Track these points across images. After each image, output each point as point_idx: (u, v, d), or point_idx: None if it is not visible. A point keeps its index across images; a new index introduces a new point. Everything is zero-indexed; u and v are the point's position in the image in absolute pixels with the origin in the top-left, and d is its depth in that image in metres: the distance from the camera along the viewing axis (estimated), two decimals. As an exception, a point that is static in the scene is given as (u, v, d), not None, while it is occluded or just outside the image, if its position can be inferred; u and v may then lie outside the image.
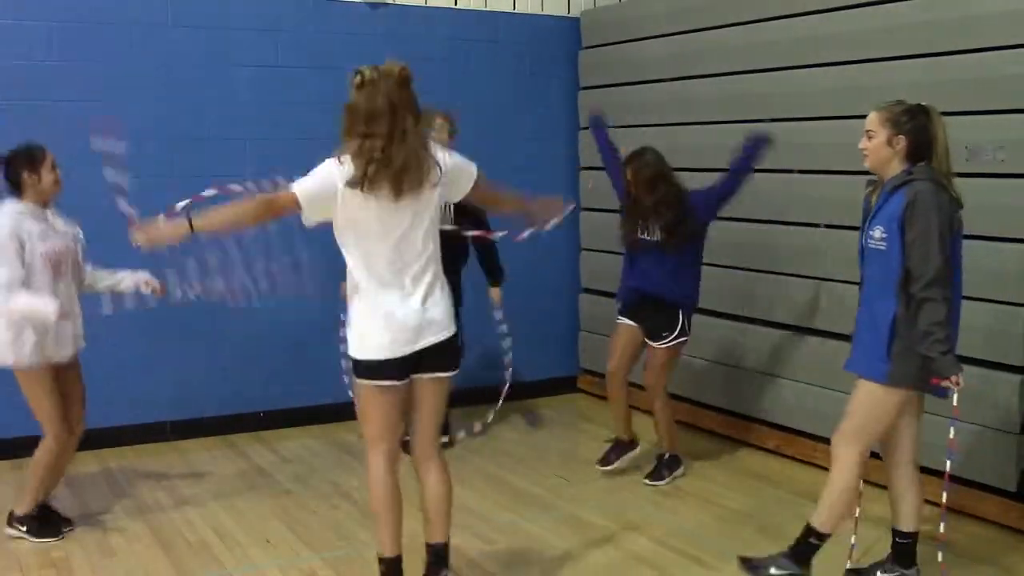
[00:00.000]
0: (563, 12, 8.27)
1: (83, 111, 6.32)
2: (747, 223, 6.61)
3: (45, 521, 5.28)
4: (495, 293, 6.71)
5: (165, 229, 4.06)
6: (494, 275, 6.71)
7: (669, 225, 5.80)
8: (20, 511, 5.24)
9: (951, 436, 4.22)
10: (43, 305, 4.88)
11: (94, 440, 6.60)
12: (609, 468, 6.23)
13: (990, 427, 5.30)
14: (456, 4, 7.82)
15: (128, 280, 5.46)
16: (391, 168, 3.94)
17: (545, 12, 8.19)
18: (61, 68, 6.54)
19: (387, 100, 4.21)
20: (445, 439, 6.69)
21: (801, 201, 6.28)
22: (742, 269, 6.69)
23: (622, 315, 6.13)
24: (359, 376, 4.06)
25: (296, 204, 3.97)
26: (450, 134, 6.48)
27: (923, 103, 4.19)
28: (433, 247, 4.13)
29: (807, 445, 6.31)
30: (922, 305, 4.04)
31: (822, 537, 4.46)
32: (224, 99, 7.01)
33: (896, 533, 4.54)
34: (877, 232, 4.17)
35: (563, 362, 8.37)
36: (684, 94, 7.18)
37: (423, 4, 7.68)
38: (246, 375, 7.17)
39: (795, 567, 4.51)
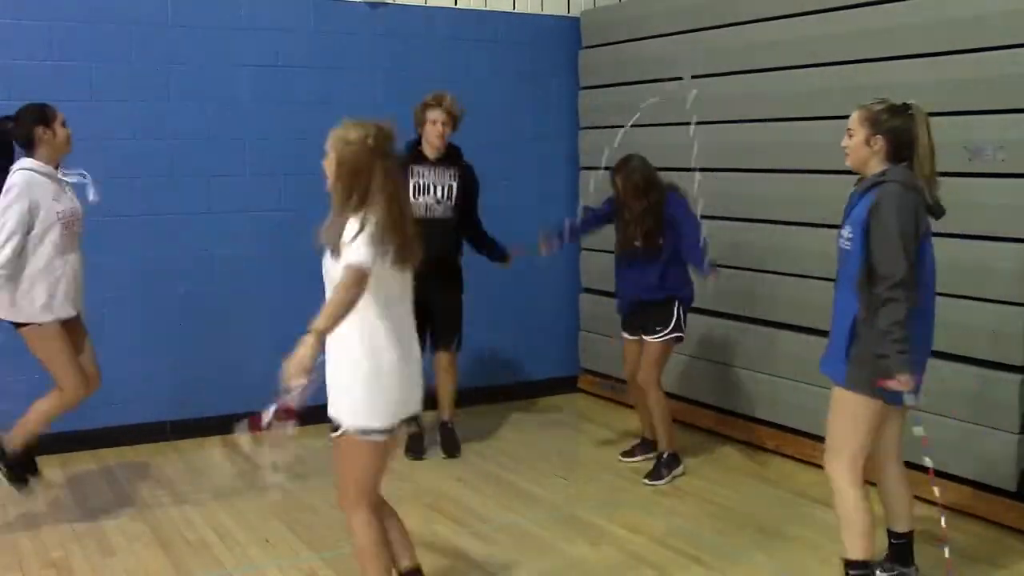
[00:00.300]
0: (563, 12, 8.27)
1: (82, 111, 6.33)
2: (749, 223, 6.62)
3: (23, 467, 5.33)
4: (508, 261, 6.75)
5: (304, 355, 3.90)
6: (498, 253, 6.74)
7: (650, 232, 5.95)
8: (8, 446, 5.25)
9: (921, 433, 4.10)
10: None
11: (94, 439, 6.64)
12: (630, 461, 6.41)
13: (990, 427, 5.30)
14: (456, 4, 7.82)
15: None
16: None
17: (545, 12, 8.19)
18: (60, 68, 6.54)
19: None
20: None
21: (802, 201, 6.28)
22: (746, 269, 6.68)
23: (624, 331, 6.31)
24: (366, 435, 3.95)
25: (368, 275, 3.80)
26: (443, 125, 6.49)
27: (908, 102, 4.13)
28: None
29: (807, 444, 6.30)
30: (885, 304, 3.95)
31: (861, 566, 4.22)
32: (224, 99, 7.01)
33: (891, 534, 4.52)
34: (846, 232, 4.13)
35: (564, 362, 8.37)
36: (684, 94, 7.16)
37: (423, 4, 7.68)
38: (245, 374, 7.15)
39: None
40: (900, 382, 3.95)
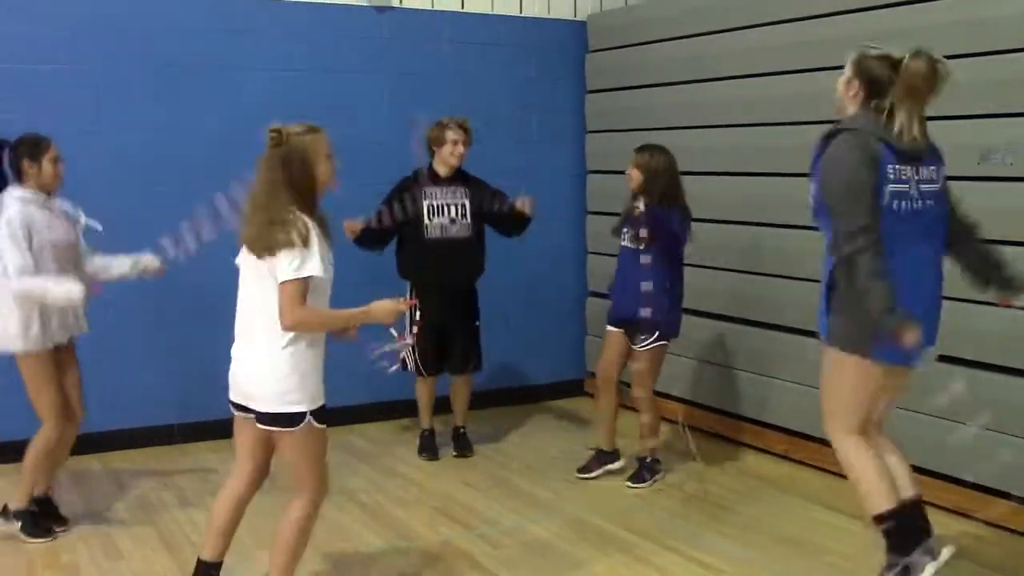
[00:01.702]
0: (570, 15, 8.28)
1: (90, 116, 6.36)
2: (762, 227, 6.61)
3: (41, 516, 5.28)
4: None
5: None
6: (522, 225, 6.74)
7: (650, 232, 5.88)
8: (15, 505, 5.24)
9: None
10: (67, 290, 4.94)
11: (101, 442, 6.64)
12: (589, 476, 6.29)
13: (1006, 432, 5.27)
14: (463, 7, 7.83)
15: (125, 266, 5.49)
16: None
17: (552, 15, 8.20)
18: (69, 73, 6.55)
19: None
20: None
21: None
22: (758, 274, 6.66)
23: (609, 323, 6.23)
24: (321, 421, 4.13)
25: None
26: (464, 144, 6.50)
27: (912, 51, 3.87)
28: None
29: (815, 449, 6.28)
30: (851, 260, 3.74)
31: (886, 519, 4.02)
32: (230, 103, 7.01)
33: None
34: (812, 186, 3.98)
35: (570, 365, 8.36)
36: (691, 98, 7.17)
37: (429, 7, 7.69)
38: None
39: (899, 558, 4.05)
40: (906, 337, 3.66)
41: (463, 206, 6.53)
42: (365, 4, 7.44)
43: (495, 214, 6.61)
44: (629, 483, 6.10)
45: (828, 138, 3.93)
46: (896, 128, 3.85)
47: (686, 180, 6.04)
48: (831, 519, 5.46)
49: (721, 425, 7.05)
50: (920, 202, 3.88)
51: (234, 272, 6.97)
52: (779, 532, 5.33)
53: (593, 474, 6.28)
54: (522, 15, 8.06)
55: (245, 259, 4.08)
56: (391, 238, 6.55)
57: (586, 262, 8.34)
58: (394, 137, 7.11)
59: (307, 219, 3.93)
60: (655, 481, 6.13)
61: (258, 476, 4.32)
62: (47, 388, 5.11)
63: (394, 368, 5.20)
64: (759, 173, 6.63)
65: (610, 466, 6.30)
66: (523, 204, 6.56)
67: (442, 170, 6.53)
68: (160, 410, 6.92)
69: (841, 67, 5.97)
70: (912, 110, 3.87)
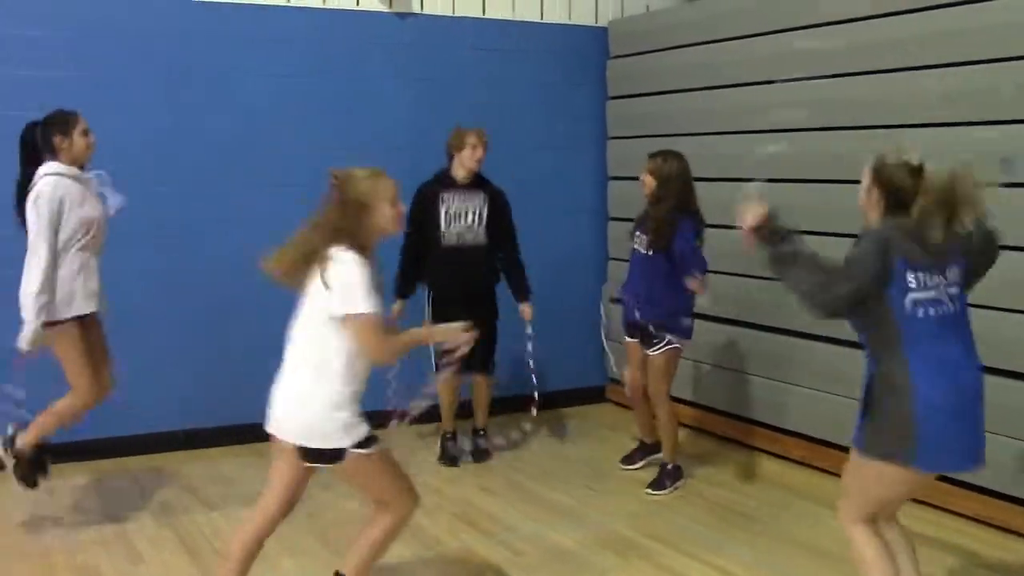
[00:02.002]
0: (591, 22, 8.27)
1: (105, 121, 6.36)
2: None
3: (34, 466, 5.36)
4: (527, 311, 6.70)
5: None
6: (524, 292, 6.72)
7: (656, 237, 5.93)
8: (20, 441, 5.30)
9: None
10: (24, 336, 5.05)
11: (123, 447, 6.67)
12: (632, 467, 6.48)
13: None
14: (484, 14, 7.83)
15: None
16: None
17: (573, 22, 8.19)
18: (84, 78, 6.57)
19: None
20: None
21: (826, 211, 6.24)
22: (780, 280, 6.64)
23: (625, 334, 6.35)
24: (370, 447, 4.02)
25: None
26: (482, 149, 6.54)
27: (944, 169, 3.74)
28: None
29: (833, 456, 6.26)
30: (803, 292, 3.81)
31: None
32: (248, 109, 7.04)
33: None
34: None
35: (591, 372, 8.35)
36: (712, 104, 7.16)
37: (451, 14, 7.70)
38: (270, 383, 7.16)
39: None
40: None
41: (479, 213, 6.55)
42: (386, 10, 7.45)
43: (511, 270, 6.73)
44: (649, 490, 6.10)
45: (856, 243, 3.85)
46: (923, 235, 3.72)
47: (707, 186, 6.03)
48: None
49: (738, 431, 7.03)
50: (950, 305, 3.80)
51: (250, 277, 7.01)
52: (800, 540, 5.30)
53: (636, 465, 6.47)
54: (543, 21, 8.06)
55: (308, 293, 4.00)
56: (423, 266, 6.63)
57: (607, 268, 8.33)
58: (415, 143, 7.11)
59: (357, 256, 3.87)
60: (675, 488, 6.12)
61: (287, 508, 4.31)
62: (77, 358, 5.22)
63: (396, 423, 4.98)
64: (781, 180, 6.60)
65: (653, 458, 6.40)
66: (527, 313, 6.71)
67: (460, 174, 6.55)
68: (180, 415, 6.93)
69: (864, 72, 6.02)
70: (937, 217, 3.72)
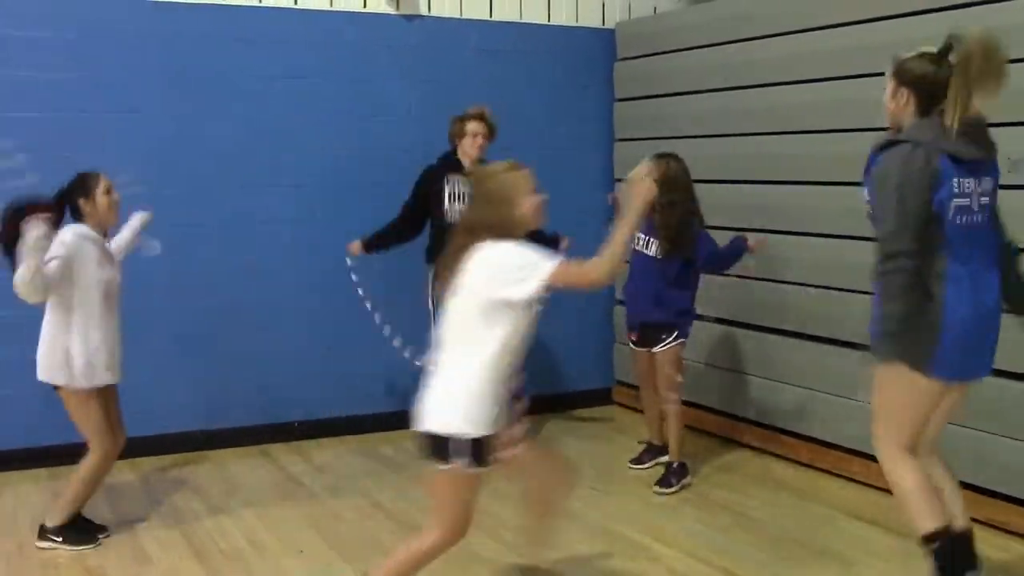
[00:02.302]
0: (598, 24, 8.27)
1: (115, 123, 6.41)
2: (792, 235, 6.58)
3: (80, 530, 5.32)
4: None
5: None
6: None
7: (669, 240, 6.02)
8: (52, 523, 5.27)
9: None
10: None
11: (130, 449, 6.62)
12: (641, 467, 6.51)
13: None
14: (491, 16, 7.83)
15: (125, 239, 5.64)
16: None
17: (580, 24, 8.19)
18: (94, 81, 6.60)
19: None
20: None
21: (837, 212, 6.24)
22: (788, 283, 6.63)
23: (631, 341, 6.42)
24: (466, 456, 3.81)
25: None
26: (483, 137, 6.56)
27: (954, 42, 3.68)
28: None
29: (840, 458, 6.26)
30: (887, 279, 3.67)
31: (931, 539, 3.87)
32: (257, 110, 7.05)
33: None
34: (864, 194, 3.89)
35: (598, 374, 8.35)
36: (719, 106, 7.15)
37: (458, 16, 7.70)
38: (281, 385, 7.19)
39: None
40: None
41: None
42: (393, 12, 7.46)
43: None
44: (656, 487, 6.11)
45: (882, 149, 3.78)
46: (946, 129, 3.65)
47: (715, 187, 6.03)
48: (858, 529, 5.43)
49: (744, 433, 7.02)
50: (979, 215, 3.76)
51: (258, 279, 7.04)
52: (806, 542, 5.29)
53: (645, 466, 6.51)
54: (550, 23, 8.06)
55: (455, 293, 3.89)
56: (404, 241, 6.73)
57: (614, 270, 8.31)
58: (421, 145, 7.12)
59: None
60: (683, 487, 6.12)
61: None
62: (93, 415, 5.20)
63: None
64: (789, 182, 6.59)
65: (661, 459, 6.43)
66: None
67: (465, 161, 6.63)
68: (188, 417, 6.95)
69: (871, 74, 5.99)
70: (959, 105, 3.63)
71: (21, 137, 6.28)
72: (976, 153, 3.73)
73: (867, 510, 5.64)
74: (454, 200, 6.57)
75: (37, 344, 5.21)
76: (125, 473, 6.43)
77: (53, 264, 4.95)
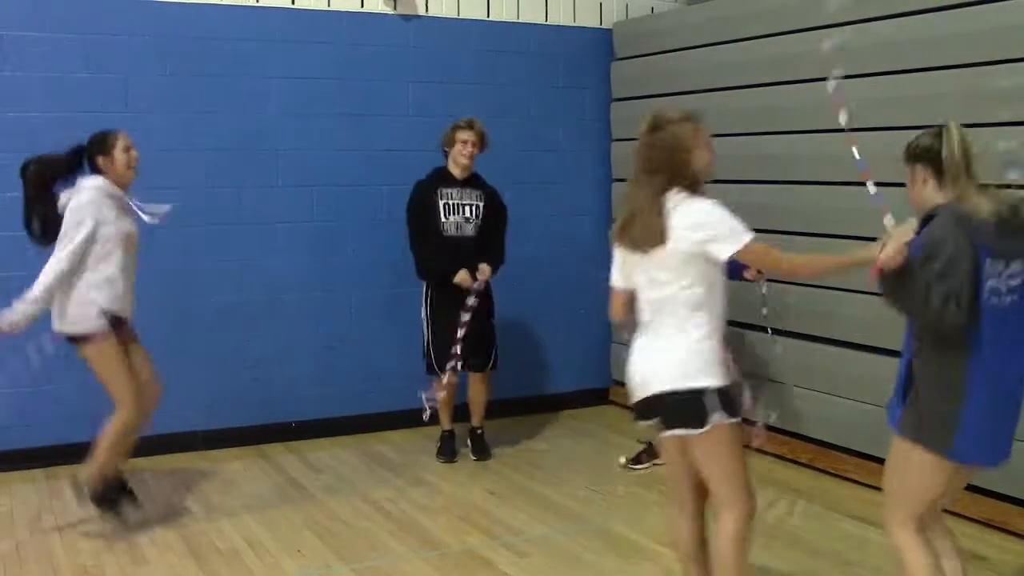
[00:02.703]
0: (595, 23, 8.27)
1: (116, 123, 6.37)
2: (790, 236, 6.58)
3: (113, 500, 5.43)
4: (486, 268, 6.60)
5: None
6: (493, 262, 6.69)
7: None
8: (89, 488, 5.36)
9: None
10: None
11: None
12: (640, 468, 6.55)
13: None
14: (488, 16, 7.83)
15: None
16: None
17: (577, 23, 8.19)
18: (95, 80, 6.60)
19: None
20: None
21: (835, 212, 6.24)
22: (787, 284, 6.62)
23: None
24: (726, 410, 3.68)
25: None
26: (473, 145, 6.56)
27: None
28: None
29: (839, 458, 6.26)
30: (941, 316, 3.46)
31: None
32: (256, 111, 7.05)
33: None
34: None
35: (595, 374, 8.35)
36: (716, 106, 7.14)
37: (455, 16, 7.70)
38: (278, 385, 7.19)
39: None
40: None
41: (477, 207, 6.64)
42: (391, 12, 7.45)
43: (492, 242, 6.75)
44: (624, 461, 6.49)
45: (927, 220, 3.64)
46: (977, 212, 3.55)
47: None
48: (858, 530, 5.43)
49: (744, 434, 7.01)
50: (1008, 297, 3.62)
51: (259, 279, 7.03)
52: (806, 543, 5.30)
53: (643, 466, 6.54)
54: (548, 23, 8.06)
55: (635, 259, 3.82)
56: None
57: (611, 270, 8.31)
58: (419, 144, 7.12)
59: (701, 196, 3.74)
60: (653, 465, 6.38)
61: (700, 497, 3.98)
62: (118, 370, 5.29)
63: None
64: (785, 181, 6.60)
65: (658, 461, 6.38)
66: (483, 272, 6.55)
67: (456, 171, 6.63)
68: (186, 417, 6.94)
69: (871, 74, 6.01)
70: (970, 185, 3.62)
71: (20, 137, 6.29)
72: (1012, 248, 3.62)
73: (867, 511, 5.64)
74: (450, 213, 6.58)
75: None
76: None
77: (78, 242, 5.10)
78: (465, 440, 6.90)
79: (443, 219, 6.57)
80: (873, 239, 3.57)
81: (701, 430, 3.65)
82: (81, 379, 5.59)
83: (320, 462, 6.78)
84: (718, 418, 3.64)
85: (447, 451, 6.80)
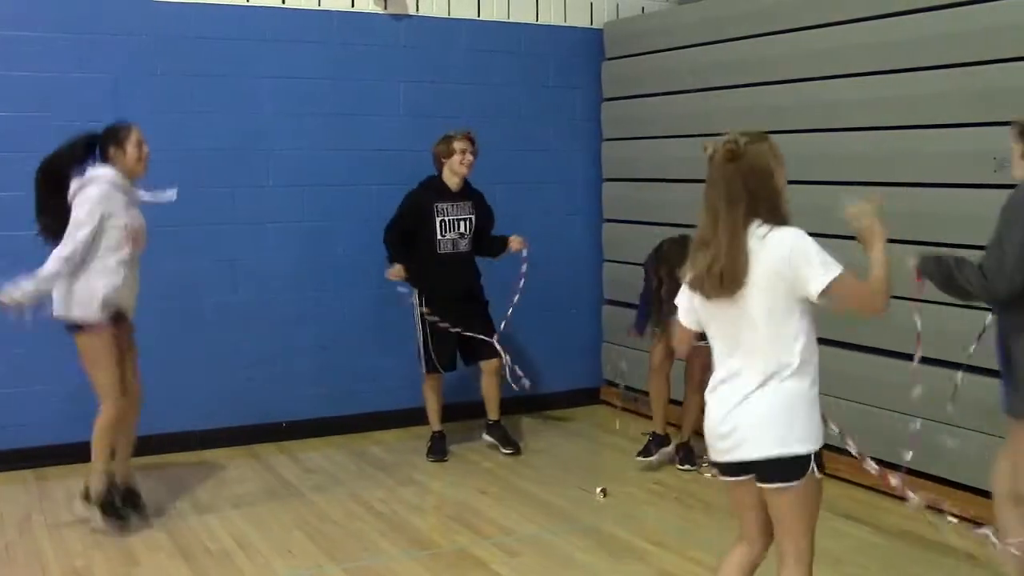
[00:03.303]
0: (586, 23, 8.27)
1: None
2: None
3: (115, 504, 5.45)
4: (516, 241, 6.88)
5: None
6: (499, 244, 6.91)
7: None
8: (92, 485, 5.39)
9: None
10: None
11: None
12: (648, 459, 6.53)
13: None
14: (479, 15, 7.82)
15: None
16: None
17: (568, 23, 8.19)
18: (86, 80, 6.58)
19: None
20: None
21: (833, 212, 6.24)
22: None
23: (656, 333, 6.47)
24: (819, 464, 3.40)
25: None
26: (471, 155, 6.61)
27: None
28: None
29: (831, 458, 6.18)
30: (962, 277, 3.68)
31: None
32: (246, 110, 7.04)
33: None
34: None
35: (586, 374, 8.34)
36: (707, 106, 7.16)
37: (446, 16, 7.69)
38: (269, 386, 7.17)
39: None
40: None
41: (471, 221, 6.72)
42: (382, 12, 7.45)
43: (488, 237, 6.87)
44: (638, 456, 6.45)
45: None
46: None
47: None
48: (849, 529, 5.43)
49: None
50: None
51: (251, 280, 7.00)
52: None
53: (653, 457, 6.52)
54: (538, 23, 8.05)
55: (717, 304, 3.39)
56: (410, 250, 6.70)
57: (602, 270, 8.33)
58: (410, 145, 7.12)
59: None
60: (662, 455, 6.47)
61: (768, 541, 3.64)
62: (105, 365, 5.30)
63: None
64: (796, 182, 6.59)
65: (665, 449, 6.52)
66: (517, 242, 6.82)
67: (452, 182, 6.66)
68: (179, 418, 6.92)
69: (860, 74, 6.02)
70: None
71: (10, 137, 6.28)
72: None
73: (858, 510, 5.65)
74: (446, 231, 6.64)
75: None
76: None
77: (84, 233, 5.13)
78: (466, 438, 7.00)
79: (439, 236, 6.61)
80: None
81: (796, 483, 3.36)
82: (71, 380, 5.58)
83: (311, 462, 6.77)
84: (813, 472, 3.38)
85: (438, 450, 6.80)
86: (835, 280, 3.22)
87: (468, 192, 6.75)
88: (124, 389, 5.38)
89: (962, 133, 5.40)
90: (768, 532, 3.57)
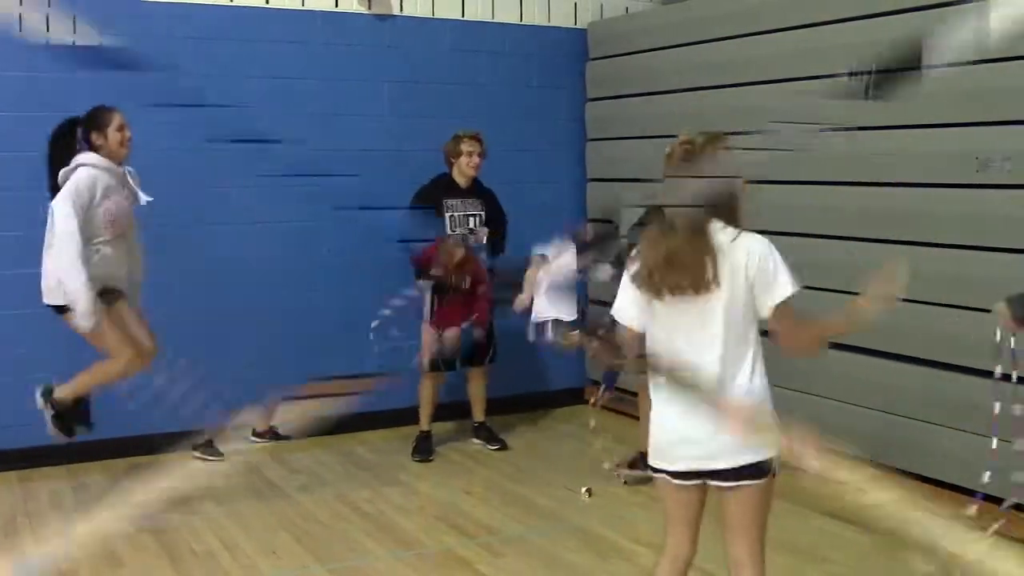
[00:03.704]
0: (570, 23, 8.28)
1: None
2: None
3: (72, 418, 5.59)
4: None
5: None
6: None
7: None
8: (60, 393, 5.49)
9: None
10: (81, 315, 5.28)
11: (103, 450, 6.63)
12: (635, 473, 6.39)
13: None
14: (463, 16, 7.83)
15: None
16: None
17: (552, 23, 8.20)
18: (78, 80, 6.54)
19: None
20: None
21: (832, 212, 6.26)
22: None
23: None
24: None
25: None
26: (479, 156, 6.75)
27: None
28: None
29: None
30: None
31: None
32: (231, 111, 7.01)
33: None
34: None
35: (570, 374, 8.35)
36: (692, 106, 7.18)
37: (430, 16, 7.69)
38: (257, 385, 7.14)
39: None
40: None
41: (480, 217, 6.82)
42: (366, 12, 7.44)
43: (494, 240, 6.93)
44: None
45: None
46: None
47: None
48: (832, 527, 5.46)
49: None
50: None
51: (236, 278, 6.99)
52: (781, 540, 5.29)
53: (640, 471, 6.45)
54: (522, 23, 8.07)
55: (670, 306, 3.34)
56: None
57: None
58: (395, 145, 7.13)
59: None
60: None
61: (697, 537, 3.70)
62: (110, 333, 5.42)
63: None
64: (763, 181, 6.61)
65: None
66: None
67: (461, 181, 6.79)
68: (165, 417, 6.89)
69: (844, 75, 6.02)
70: None
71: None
72: None
73: (842, 508, 5.66)
74: (456, 225, 6.75)
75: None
76: (96, 474, 6.40)
77: (75, 223, 5.24)
78: (452, 438, 7.03)
79: (449, 232, 6.74)
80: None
81: (761, 481, 3.44)
82: (56, 382, 5.55)
83: (297, 462, 6.76)
84: (775, 472, 3.45)
85: (423, 450, 6.81)
86: (792, 297, 3.23)
87: (478, 189, 6.86)
88: (136, 350, 5.50)
89: (946, 133, 5.43)
90: (695, 541, 3.63)
